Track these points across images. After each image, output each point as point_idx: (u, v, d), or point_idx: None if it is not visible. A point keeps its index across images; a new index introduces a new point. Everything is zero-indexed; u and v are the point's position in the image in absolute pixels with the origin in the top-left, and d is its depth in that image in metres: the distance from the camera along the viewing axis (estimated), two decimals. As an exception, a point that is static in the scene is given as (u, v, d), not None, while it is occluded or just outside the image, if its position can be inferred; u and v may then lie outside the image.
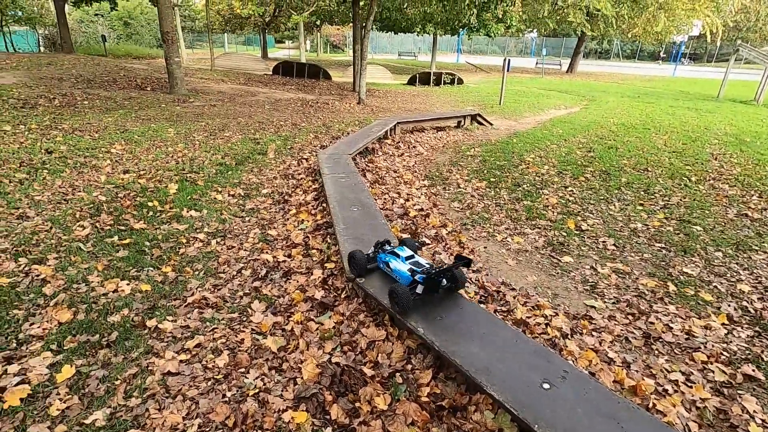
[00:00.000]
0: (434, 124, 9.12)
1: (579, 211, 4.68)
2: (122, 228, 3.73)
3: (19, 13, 25.74)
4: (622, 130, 9.49)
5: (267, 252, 3.49)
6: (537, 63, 31.96)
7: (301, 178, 5.37)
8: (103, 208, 4.05)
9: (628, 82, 23.72)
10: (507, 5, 11.81)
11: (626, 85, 21.54)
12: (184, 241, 3.61)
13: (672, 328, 2.66)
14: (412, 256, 2.53)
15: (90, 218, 3.85)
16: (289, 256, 3.44)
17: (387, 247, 2.68)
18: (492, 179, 5.72)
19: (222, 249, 3.54)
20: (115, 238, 3.53)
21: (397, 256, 2.54)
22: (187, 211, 4.15)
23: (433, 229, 4.05)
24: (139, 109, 8.89)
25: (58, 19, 20.20)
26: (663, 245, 3.90)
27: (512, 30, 24.33)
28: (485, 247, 3.81)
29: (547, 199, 5.01)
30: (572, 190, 5.35)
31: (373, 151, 7.00)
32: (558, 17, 23.70)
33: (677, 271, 3.44)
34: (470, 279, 3.14)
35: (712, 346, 2.50)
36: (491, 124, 10.22)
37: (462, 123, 9.65)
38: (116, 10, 24.54)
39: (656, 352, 2.47)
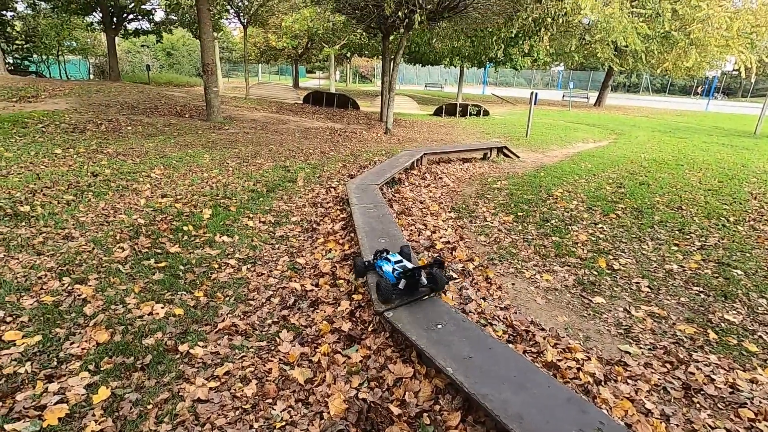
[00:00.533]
0: (460, 155, 9.18)
1: (610, 250, 4.57)
2: (159, 251, 3.85)
3: (74, 44, 27.63)
4: (653, 166, 9.31)
5: (295, 280, 3.54)
6: (564, 96, 31.96)
7: (330, 207, 5.46)
8: (142, 231, 4.21)
9: (659, 116, 23.39)
10: (535, 40, 11.95)
11: (656, 120, 21.23)
12: (216, 266, 3.70)
13: (714, 379, 2.53)
14: (400, 261, 2.94)
15: (129, 240, 4.00)
16: (317, 285, 3.47)
17: (383, 255, 3.07)
18: (519, 213, 5.67)
19: (252, 275, 3.61)
20: (152, 260, 3.65)
21: (389, 261, 2.95)
22: (220, 237, 4.26)
23: (460, 263, 4.02)
24: (178, 135, 9.30)
25: (108, 50, 21.57)
26: (701, 289, 3.75)
27: (539, 63, 24.58)
28: (513, 284, 3.75)
29: (576, 235, 4.92)
30: (603, 227, 5.24)
31: (400, 182, 7.07)
32: (586, 51, 23.78)
33: (717, 317, 3.29)
34: (498, 316, 3.09)
35: (760, 402, 2.36)
36: (518, 157, 10.20)
37: (488, 155, 9.67)
38: (161, 42, 26.06)
39: (697, 405, 2.35)
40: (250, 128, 11.57)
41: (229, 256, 3.91)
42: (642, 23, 21.52)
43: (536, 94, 13.73)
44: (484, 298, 3.42)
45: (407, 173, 7.50)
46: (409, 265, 2.85)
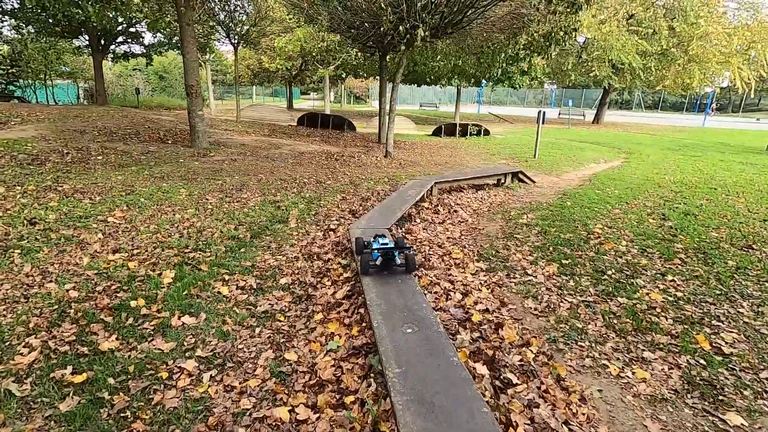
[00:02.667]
0: (473, 182, 8.05)
1: (700, 317, 3.40)
2: (84, 350, 2.62)
3: (64, 68, 26.57)
4: (686, 191, 8.23)
5: (281, 400, 2.31)
6: (560, 114, 31.29)
7: (329, 259, 4.26)
8: (70, 312, 2.98)
9: (660, 133, 22.58)
10: (543, 57, 10.99)
11: (659, 137, 20.38)
12: (165, 375, 2.47)
13: None
14: (386, 244, 3.51)
15: (46, 330, 2.77)
16: (315, 408, 2.25)
17: (378, 238, 3.61)
18: (564, 261, 4.50)
19: (217, 393, 2.37)
20: (68, 370, 2.42)
21: (378, 242, 3.53)
22: (179, 318, 3.04)
23: (513, 349, 2.83)
24: (155, 164, 8.11)
25: (95, 73, 20.52)
26: None
27: (537, 82, 23.82)
28: (600, 390, 2.55)
29: (647, 294, 3.75)
30: (673, 280, 4.07)
31: (410, 217, 5.92)
32: (583, 69, 23.10)
33: None
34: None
35: None
36: (533, 182, 9.11)
37: (503, 181, 8.56)
38: (152, 65, 25.09)
39: None
40: (239, 154, 10.42)
41: (187, 354, 2.68)
42: (641, 40, 20.94)
43: (544, 113, 12.75)
44: (567, 423, 2.22)
45: (417, 206, 6.35)
46: (391, 247, 3.48)
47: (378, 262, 3.38)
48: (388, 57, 14.70)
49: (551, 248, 4.87)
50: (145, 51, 22.42)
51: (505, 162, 12.18)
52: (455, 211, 6.50)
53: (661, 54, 21.72)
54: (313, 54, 20.93)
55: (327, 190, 7.30)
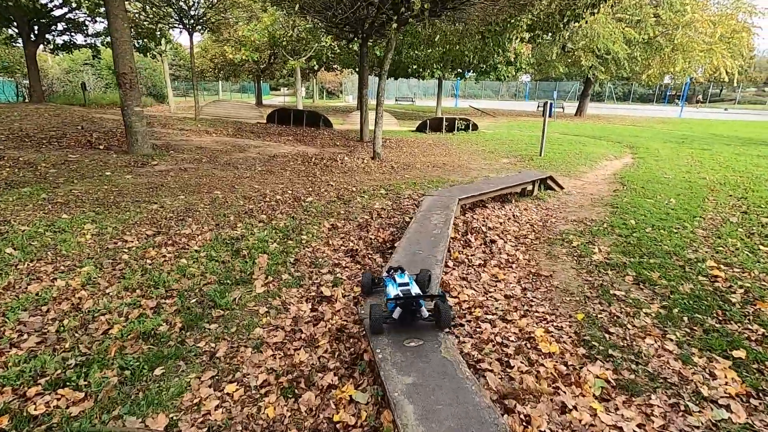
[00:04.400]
0: (499, 193, 6.07)
1: None
2: None
3: None
4: (751, 196, 6.54)
5: None
6: (538, 107, 29.90)
7: (330, 386, 2.16)
8: None
9: (645, 124, 21.37)
10: (556, 35, 9.12)
11: (650, 129, 19.09)
12: None
13: None
14: (406, 284, 2.41)
15: None
16: None
17: (396, 274, 2.52)
18: (716, 341, 2.57)
19: None
20: None
21: (395, 281, 2.44)
22: None
23: None
24: (65, 182, 5.72)
25: (27, 66, 17.35)
26: None
27: (521, 73, 22.18)
28: None
29: None
30: None
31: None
32: (570, 60, 21.58)
33: None
34: None
35: None
36: (562, 188, 7.25)
37: (530, 190, 6.64)
38: (99, 58, 21.89)
39: None
40: (192, 161, 8.07)
41: None
42: (628, 28, 19.53)
43: (551, 104, 10.93)
44: None
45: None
46: (415, 291, 2.33)
47: (396, 315, 2.24)
48: (369, 43, 12.54)
49: (685, 318, 2.93)
50: (89, 41, 19.29)
51: (509, 161, 10.31)
52: (492, 241, 4.50)
53: (646, 43, 20.43)
54: (283, 44, 18.46)
55: (309, 212, 5.16)
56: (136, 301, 2.81)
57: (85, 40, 19.60)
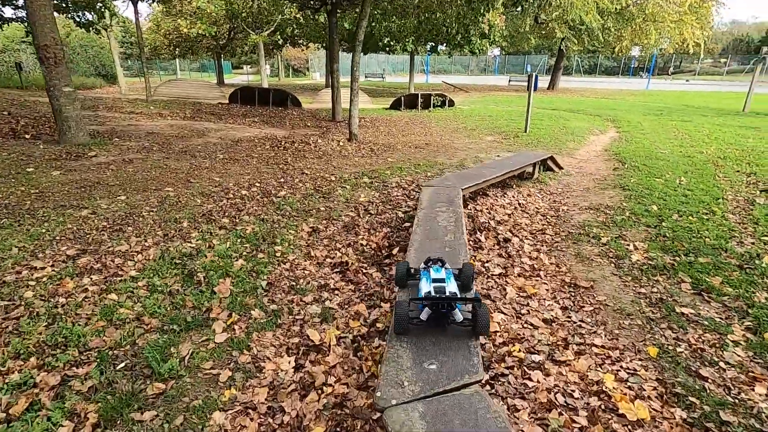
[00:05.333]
0: (500, 179, 5.27)
1: None
2: None
3: None
4: (759, 171, 6.04)
5: None
6: (510, 81, 29.28)
7: None
8: None
9: (617, 97, 21.11)
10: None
11: (622, 101, 18.78)
12: None
13: None
14: (441, 280, 2.04)
15: None
16: None
17: (433, 265, 2.19)
18: None
19: None
20: None
21: (430, 275, 2.09)
22: None
23: None
24: (-33, 183, 4.50)
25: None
26: None
27: (494, 46, 21.31)
28: None
29: None
30: None
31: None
32: (543, 32, 20.85)
33: None
34: None
35: None
36: (561, 168, 6.56)
37: (531, 172, 5.89)
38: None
39: None
40: (141, 150, 6.85)
41: None
42: (602, -3, 18.88)
43: (536, 77, 10.17)
44: None
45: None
46: (452, 289, 1.95)
47: (423, 316, 1.82)
48: (338, 13, 11.31)
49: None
50: (19, 15, 16.90)
51: (494, 139, 9.56)
52: (506, 239, 3.72)
53: (618, 13, 19.91)
54: (243, 15, 16.79)
55: (282, 211, 4.21)
56: (26, 378, 1.84)
57: (15, 14, 17.22)
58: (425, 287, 2.00)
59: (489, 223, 4.06)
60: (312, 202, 4.61)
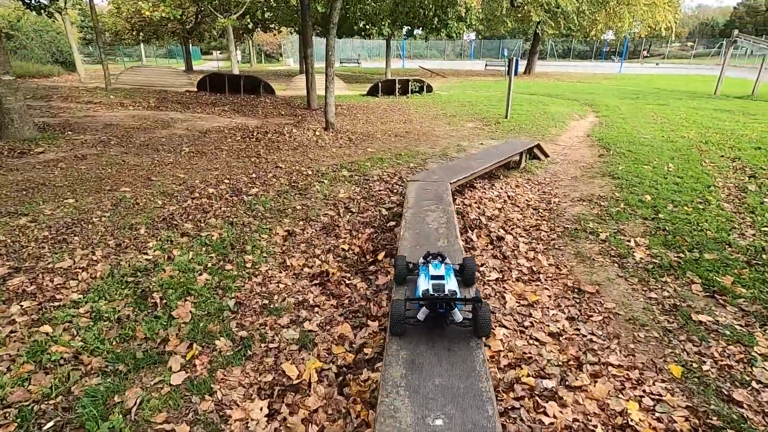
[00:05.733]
0: (488, 170, 4.97)
1: None
2: None
3: None
4: (744, 156, 5.95)
5: None
6: (486, 65, 29.01)
7: None
8: None
9: (592, 81, 21.14)
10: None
11: (597, 85, 18.77)
12: None
13: None
14: (440, 277, 1.90)
15: None
16: None
17: (434, 262, 2.05)
18: None
19: None
20: None
21: (429, 271, 1.97)
22: None
23: None
24: None
25: None
26: None
27: (471, 29, 20.91)
28: None
29: None
30: None
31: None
32: (519, 15, 20.55)
33: None
34: None
35: None
36: (547, 156, 6.32)
37: (517, 161, 5.61)
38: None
39: None
40: (97, 144, 6.22)
41: None
42: (578, -21, 18.69)
43: (516, 60, 9.88)
44: None
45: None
46: (452, 287, 1.81)
47: (421, 316, 1.71)
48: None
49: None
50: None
51: (475, 126, 9.27)
52: (499, 237, 3.43)
53: (593, -4, 19.80)
54: (208, -3, 15.82)
55: (254, 212, 3.79)
56: None
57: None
58: (423, 284, 1.88)
59: (480, 219, 3.76)
60: (287, 200, 4.19)
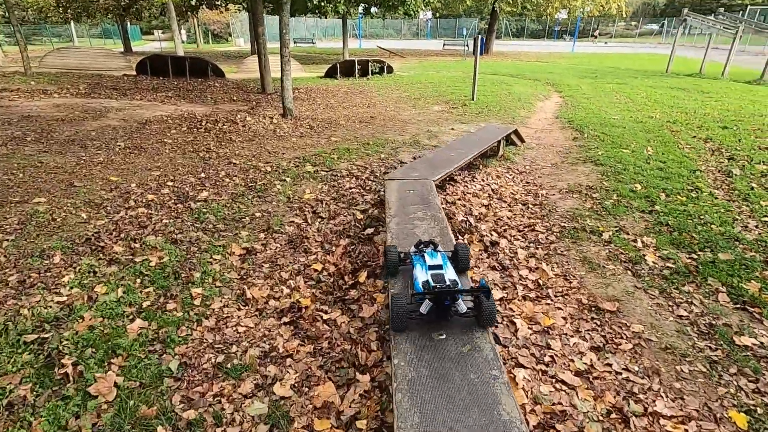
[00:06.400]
0: (470, 161, 4.50)
1: None
2: None
3: None
4: (716, 137, 5.85)
5: None
6: (444, 45, 28.48)
7: None
8: None
9: (549, 60, 21.20)
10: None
11: (554, 65, 18.78)
12: None
13: None
14: (438, 266, 1.85)
15: None
16: None
17: (425, 249, 2.01)
18: None
19: None
20: None
21: (424, 261, 1.90)
22: None
23: None
24: None
25: None
26: None
27: (430, 7, 20.23)
28: None
29: None
30: None
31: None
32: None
33: None
34: None
35: None
36: (523, 141, 5.96)
37: (497, 148, 5.18)
38: None
39: None
40: (7, 141, 5.18)
41: None
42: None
43: (482, 39, 9.42)
44: None
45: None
46: (451, 277, 1.77)
47: (424, 309, 1.65)
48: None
49: None
50: None
51: (441, 109, 8.80)
52: (493, 242, 2.98)
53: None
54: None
55: (203, 224, 3.12)
56: None
57: None
58: (421, 275, 1.81)
59: (468, 221, 3.29)
60: (244, 205, 3.54)
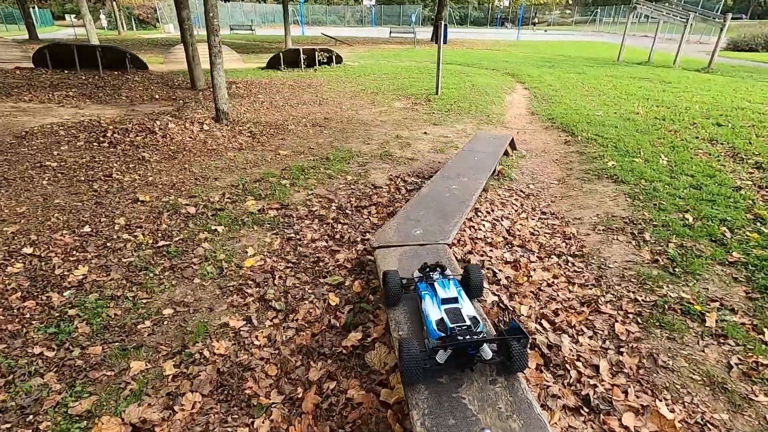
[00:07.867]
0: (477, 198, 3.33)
1: None
2: None
3: None
4: (725, 138, 5.14)
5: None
6: (391, 33, 27.09)
7: None
8: None
9: (499, 48, 20.60)
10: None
11: (506, 54, 18.14)
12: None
13: None
14: (454, 299, 1.48)
15: None
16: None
17: (434, 275, 1.64)
18: None
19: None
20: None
21: (434, 292, 1.53)
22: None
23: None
24: None
25: None
26: None
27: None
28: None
29: None
30: None
31: None
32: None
33: None
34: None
35: None
36: (515, 149, 4.91)
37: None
38: None
39: None
40: None
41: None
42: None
43: (445, 25, 8.25)
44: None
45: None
46: (470, 313, 1.42)
47: (440, 358, 1.29)
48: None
49: None
50: None
51: (404, 105, 7.60)
52: (550, 344, 1.85)
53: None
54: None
55: (67, 342, 1.70)
56: None
57: None
58: (434, 312, 1.43)
59: (500, 299, 2.13)
60: (145, 291, 2.14)
